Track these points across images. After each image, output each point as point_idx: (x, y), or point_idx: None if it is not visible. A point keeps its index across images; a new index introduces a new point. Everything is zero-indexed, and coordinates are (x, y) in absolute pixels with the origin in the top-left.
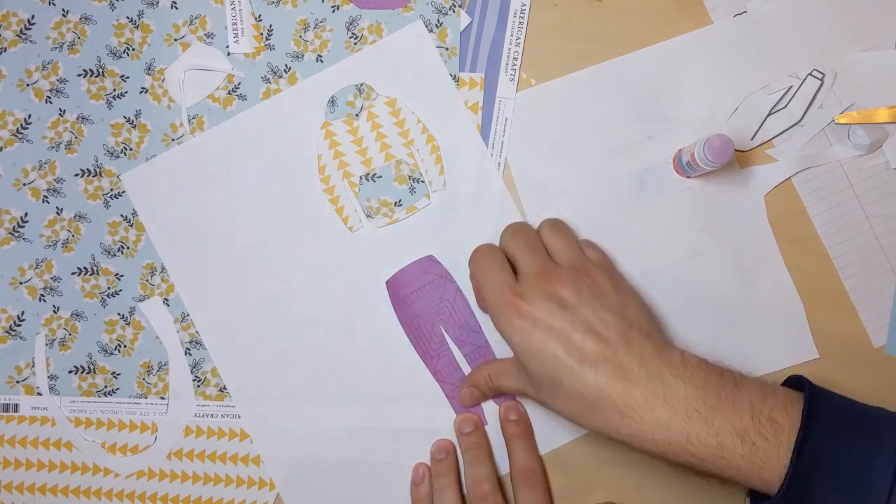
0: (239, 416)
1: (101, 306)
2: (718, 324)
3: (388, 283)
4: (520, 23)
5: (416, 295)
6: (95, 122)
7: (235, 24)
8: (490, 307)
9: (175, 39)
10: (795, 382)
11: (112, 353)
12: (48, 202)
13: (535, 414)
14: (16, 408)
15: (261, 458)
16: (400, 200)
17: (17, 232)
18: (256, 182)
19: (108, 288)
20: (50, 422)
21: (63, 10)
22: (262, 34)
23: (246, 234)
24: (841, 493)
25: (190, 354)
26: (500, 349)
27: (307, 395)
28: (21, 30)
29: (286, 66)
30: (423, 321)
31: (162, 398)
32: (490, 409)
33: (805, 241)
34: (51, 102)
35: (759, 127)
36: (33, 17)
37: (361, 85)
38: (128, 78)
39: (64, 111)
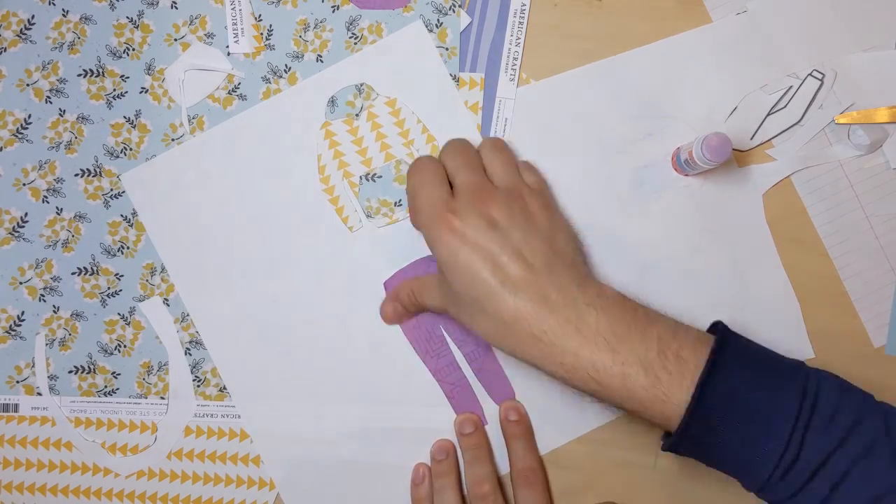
0: (239, 416)
1: (101, 306)
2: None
3: (387, 283)
4: (520, 23)
5: None
6: (95, 122)
7: (235, 24)
8: (422, 220)
9: (175, 39)
10: (715, 329)
11: (112, 353)
12: (48, 202)
13: (535, 414)
14: (16, 408)
15: (261, 458)
16: (400, 200)
17: (17, 232)
18: (256, 182)
19: (108, 288)
20: (50, 422)
21: (63, 10)
22: (262, 34)
23: (246, 234)
24: (741, 431)
25: (190, 354)
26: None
27: (307, 395)
28: (21, 30)
29: (286, 66)
30: (423, 321)
31: (162, 398)
32: (490, 408)
33: (805, 240)
34: (51, 102)
35: (759, 127)
36: (33, 17)
37: (361, 85)
38: (128, 78)
39: (64, 111)
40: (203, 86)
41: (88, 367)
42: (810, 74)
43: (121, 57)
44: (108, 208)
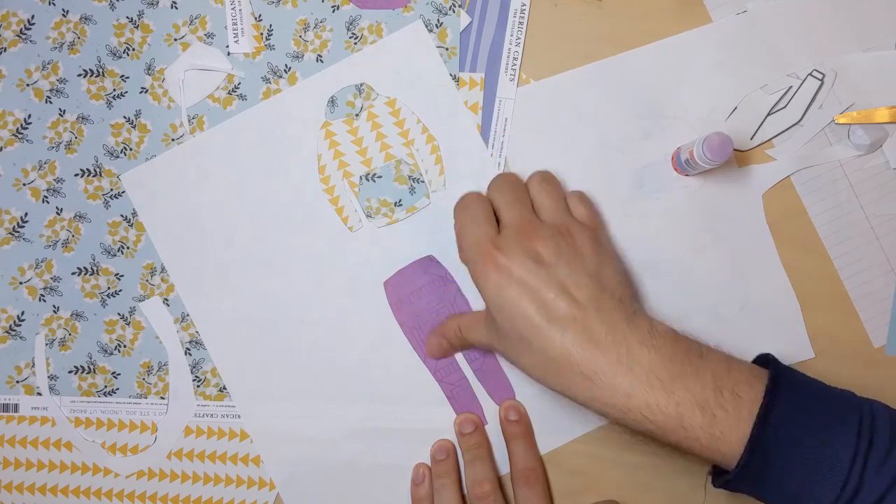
0: (239, 416)
1: (101, 306)
2: (714, 322)
3: (387, 283)
4: (520, 23)
5: (416, 295)
6: (95, 122)
7: (235, 24)
8: (468, 257)
9: (175, 39)
10: (764, 361)
11: (112, 353)
12: (48, 202)
13: (535, 414)
14: (16, 408)
15: (261, 458)
16: (400, 200)
17: (17, 232)
18: (256, 182)
19: (108, 288)
20: (50, 422)
21: (63, 10)
22: (262, 34)
23: (246, 234)
24: (800, 470)
25: (190, 354)
26: None
27: (307, 395)
28: (21, 30)
29: (286, 66)
30: (423, 321)
31: (162, 398)
32: (490, 408)
33: (805, 240)
34: (51, 102)
35: (759, 127)
36: (33, 17)
37: (361, 85)
38: (128, 78)
39: (64, 111)
40: (203, 86)
41: (88, 367)
42: (810, 74)
43: (121, 57)
44: (108, 208)
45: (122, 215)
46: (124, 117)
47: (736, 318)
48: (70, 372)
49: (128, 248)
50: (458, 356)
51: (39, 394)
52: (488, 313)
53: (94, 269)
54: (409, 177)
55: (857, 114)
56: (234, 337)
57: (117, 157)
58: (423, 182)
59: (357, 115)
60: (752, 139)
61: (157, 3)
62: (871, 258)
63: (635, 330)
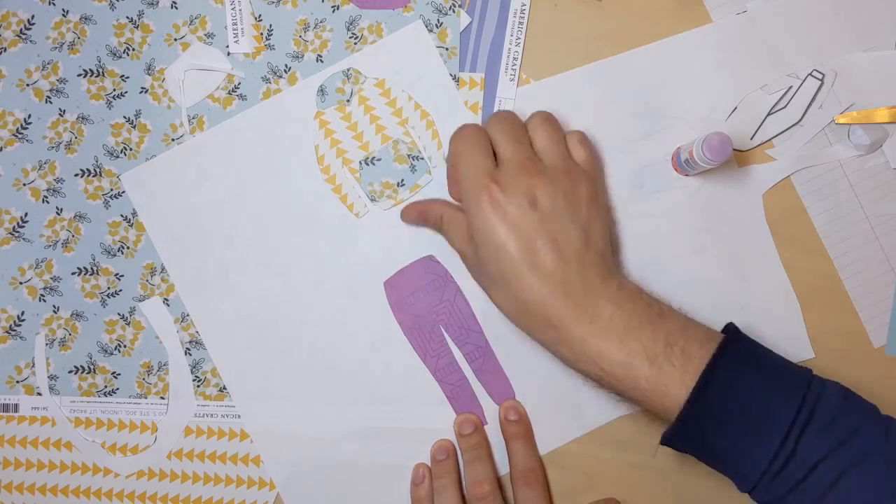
0: (239, 416)
1: (101, 306)
2: (715, 321)
3: (387, 283)
4: (520, 23)
5: (416, 295)
6: (95, 122)
7: (235, 24)
8: (463, 187)
9: (175, 39)
10: (731, 331)
11: (112, 353)
12: (48, 202)
13: (535, 414)
14: (16, 408)
15: (261, 458)
16: (402, 180)
17: (17, 232)
18: (256, 181)
19: (108, 288)
20: (50, 422)
21: (63, 10)
22: (262, 34)
23: (246, 233)
24: (735, 429)
25: (190, 354)
26: (500, 350)
27: (307, 395)
28: (21, 30)
29: (286, 66)
30: (423, 321)
31: (162, 398)
32: (490, 408)
33: (805, 240)
34: (51, 102)
35: (759, 127)
36: (33, 17)
37: (349, 70)
38: (128, 78)
39: (64, 111)
40: (203, 86)
41: (88, 367)
42: (810, 74)
43: (121, 57)
44: (108, 208)
45: (122, 215)
46: (124, 117)
47: (736, 318)
48: (70, 372)
49: (128, 248)
50: (458, 356)
51: (39, 394)
52: (473, 239)
53: (94, 269)
54: (409, 155)
55: (857, 114)
56: (234, 337)
57: (117, 157)
58: (422, 159)
59: (348, 100)
60: (752, 139)
61: (157, 3)
62: (871, 258)
63: (606, 286)
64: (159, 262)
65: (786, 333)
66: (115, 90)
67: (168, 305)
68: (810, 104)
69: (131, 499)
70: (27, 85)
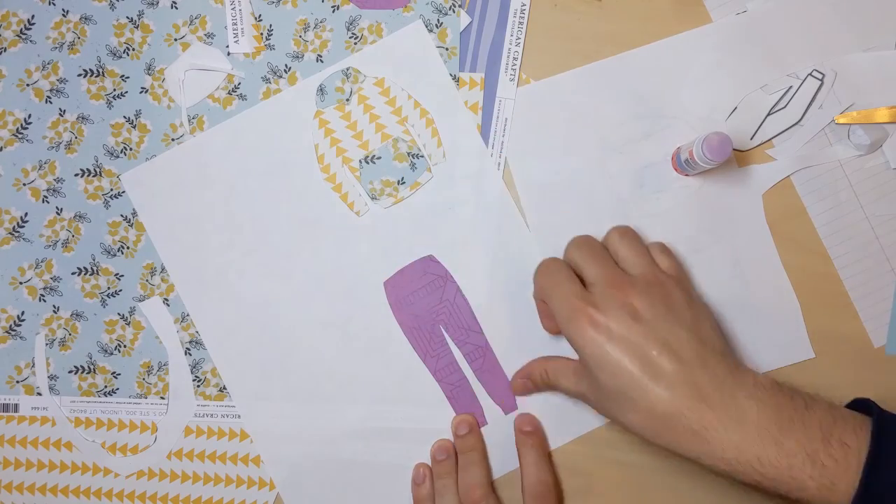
0: (239, 416)
1: (101, 306)
2: None
3: (387, 283)
4: (520, 23)
5: (416, 295)
6: (95, 122)
7: (235, 24)
8: (560, 318)
9: (175, 39)
10: (862, 405)
11: (112, 353)
12: (48, 202)
13: (535, 414)
14: (16, 408)
15: (261, 458)
16: (402, 178)
17: (17, 232)
18: (257, 181)
19: (108, 288)
20: (50, 422)
21: (63, 10)
22: (262, 34)
23: (246, 233)
24: None
25: (190, 354)
26: (500, 350)
27: (307, 395)
28: (21, 30)
29: (286, 66)
30: (423, 321)
31: (162, 398)
32: (490, 408)
33: (805, 240)
34: (51, 102)
35: (759, 127)
36: (33, 17)
37: (348, 69)
38: (128, 78)
39: (64, 111)
40: (203, 86)
41: (88, 367)
42: (810, 74)
43: (121, 57)
44: (108, 208)
45: (122, 215)
46: (124, 117)
47: (736, 318)
48: (70, 372)
49: (128, 248)
50: (458, 356)
51: (39, 394)
52: (580, 364)
53: (94, 269)
54: (409, 153)
55: (857, 114)
56: (234, 337)
57: (117, 157)
58: (422, 157)
59: (347, 100)
60: (752, 139)
61: (157, 3)
62: (871, 258)
63: (741, 383)
64: (159, 262)
65: (786, 333)
66: (115, 90)
67: (168, 305)
68: (810, 104)
69: (131, 499)
70: (27, 85)
